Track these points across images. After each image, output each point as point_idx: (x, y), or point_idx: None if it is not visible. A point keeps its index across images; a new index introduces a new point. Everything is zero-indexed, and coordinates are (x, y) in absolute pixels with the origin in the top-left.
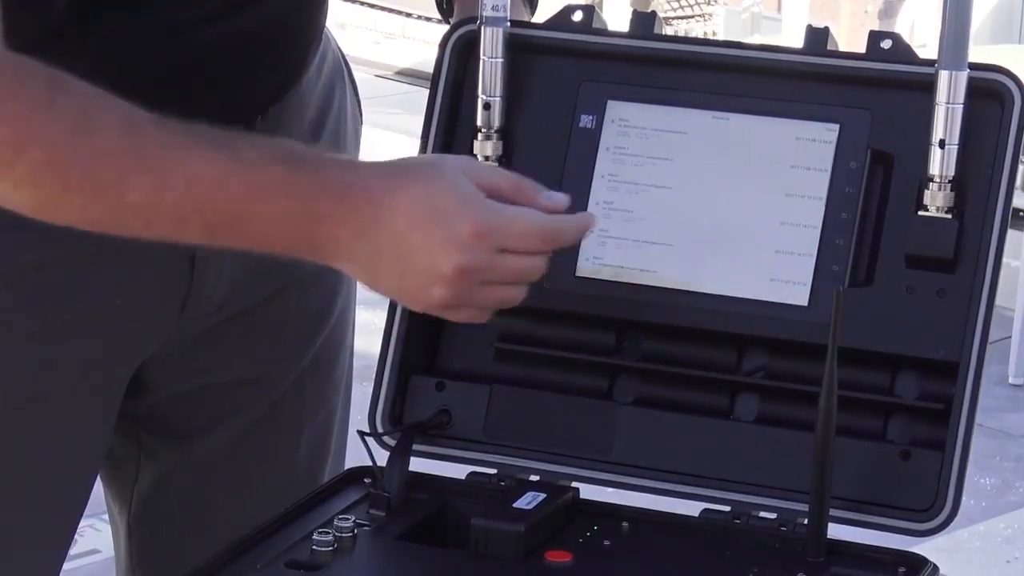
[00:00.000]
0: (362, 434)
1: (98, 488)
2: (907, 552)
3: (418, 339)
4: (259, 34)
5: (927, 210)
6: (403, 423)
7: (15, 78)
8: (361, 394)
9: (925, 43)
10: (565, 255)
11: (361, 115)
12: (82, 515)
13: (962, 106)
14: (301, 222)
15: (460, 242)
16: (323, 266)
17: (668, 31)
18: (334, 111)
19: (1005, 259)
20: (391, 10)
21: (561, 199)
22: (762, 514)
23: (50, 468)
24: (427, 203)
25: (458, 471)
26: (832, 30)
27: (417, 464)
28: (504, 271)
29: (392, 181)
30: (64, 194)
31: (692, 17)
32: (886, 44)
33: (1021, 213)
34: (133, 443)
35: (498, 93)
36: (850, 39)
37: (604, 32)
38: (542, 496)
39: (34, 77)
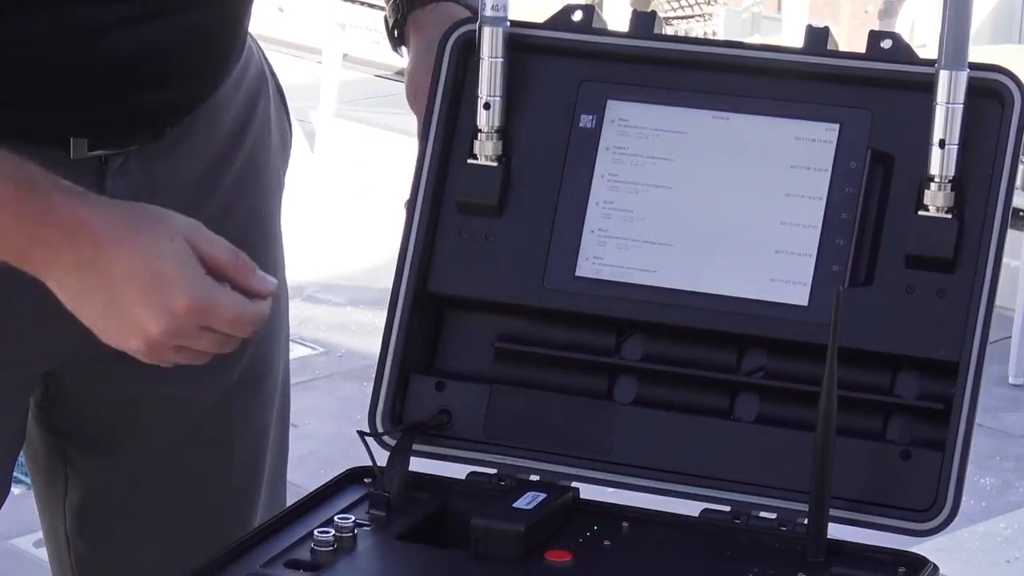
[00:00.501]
0: (362, 434)
1: None
2: (907, 552)
3: (418, 339)
4: (176, 43)
5: (927, 210)
6: (403, 423)
7: None
8: (361, 394)
9: (925, 43)
10: (565, 255)
11: (290, 127)
12: None
13: (962, 106)
14: (22, 242)
15: (171, 312)
16: None
17: (668, 31)
18: (256, 123)
19: (1005, 259)
20: None
21: (272, 283)
22: (762, 514)
23: None
24: (149, 264)
25: (458, 471)
26: (832, 30)
27: (417, 464)
28: (200, 344)
29: (119, 231)
30: None
31: (692, 17)
32: (886, 44)
33: (1021, 213)
34: (59, 456)
35: (498, 93)
36: (850, 39)
37: (604, 32)
38: (542, 496)
39: None
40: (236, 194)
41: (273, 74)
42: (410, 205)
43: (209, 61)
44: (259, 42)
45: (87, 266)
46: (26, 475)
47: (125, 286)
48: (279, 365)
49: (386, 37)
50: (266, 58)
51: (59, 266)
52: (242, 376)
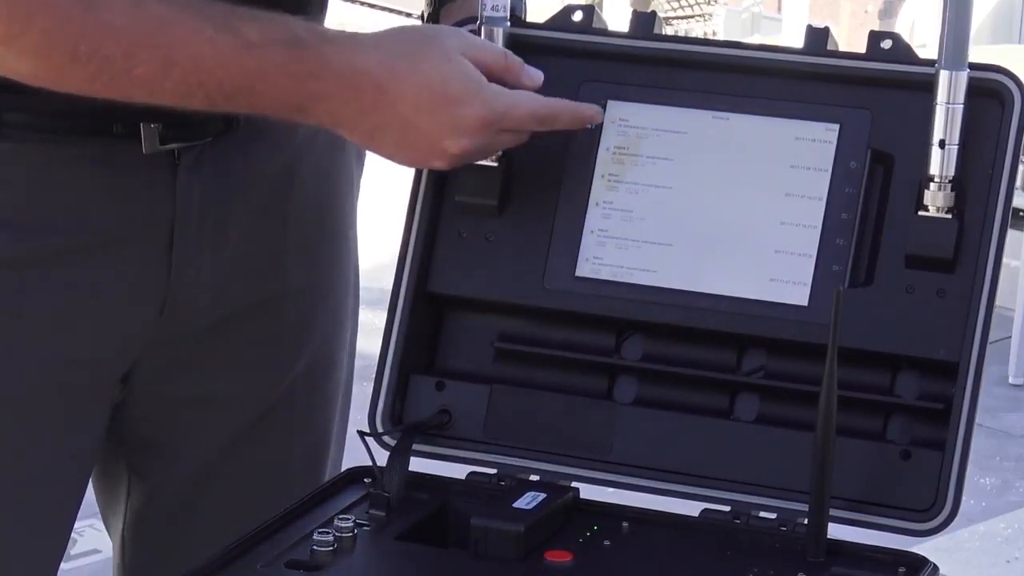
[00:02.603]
0: (362, 434)
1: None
2: (907, 552)
3: (418, 339)
4: None
5: (927, 210)
6: (403, 423)
7: None
8: (361, 394)
9: (925, 43)
10: (565, 255)
11: None
12: (74, 519)
13: (962, 106)
14: (302, 100)
15: (467, 127)
16: (320, 275)
17: (668, 31)
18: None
19: (1005, 259)
20: (391, 10)
21: (538, 75)
22: (762, 514)
23: (35, 471)
24: (434, 91)
25: (458, 471)
26: (832, 30)
27: (417, 464)
28: (498, 146)
29: (397, 68)
30: (71, 66)
31: (692, 17)
32: (886, 44)
33: (1021, 213)
34: (121, 463)
35: None
36: (850, 39)
37: (604, 32)
38: (542, 496)
39: None
40: (313, 194)
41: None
42: (410, 205)
43: None
44: None
45: (374, 109)
46: None
47: (416, 117)
48: (342, 365)
49: None
50: None
51: (345, 115)
52: (305, 373)
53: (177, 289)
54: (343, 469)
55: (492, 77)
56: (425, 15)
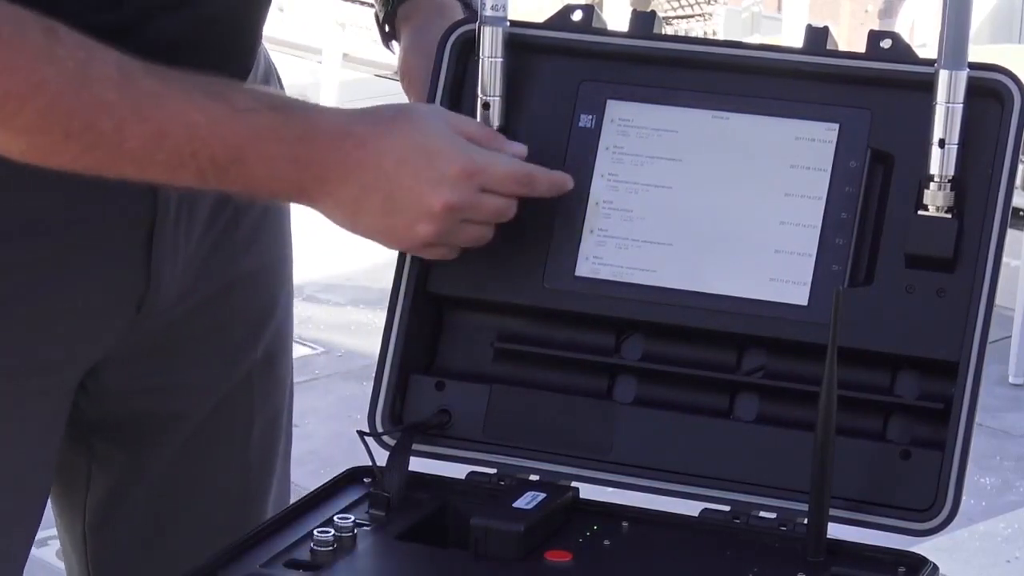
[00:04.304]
0: (362, 434)
1: None
2: (907, 552)
3: (418, 339)
4: (207, 31)
5: (927, 210)
6: (403, 423)
7: (15, 28)
8: (361, 394)
9: (925, 43)
10: (565, 255)
11: None
12: (39, 523)
13: (962, 106)
14: (290, 167)
15: (449, 180)
16: (267, 261)
17: (668, 31)
18: None
19: (1005, 259)
20: None
21: (521, 149)
22: (762, 514)
23: (2, 474)
24: (416, 144)
25: (458, 471)
26: (832, 30)
27: (417, 464)
28: (484, 210)
29: (380, 126)
30: (64, 142)
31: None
32: (886, 44)
33: (1021, 213)
34: (83, 452)
35: (497, 93)
36: (850, 39)
37: (604, 32)
38: (542, 496)
39: (31, 26)
40: None
41: (277, 74)
42: None
43: (235, 52)
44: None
45: (357, 169)
46: None
47: (399, 172)
48: (290, 347)
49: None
50: (269, 57)
51: (332, 182)
52: (264, 353)
53: (155, 287)
54: (344, 469)
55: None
56: (380, 18)
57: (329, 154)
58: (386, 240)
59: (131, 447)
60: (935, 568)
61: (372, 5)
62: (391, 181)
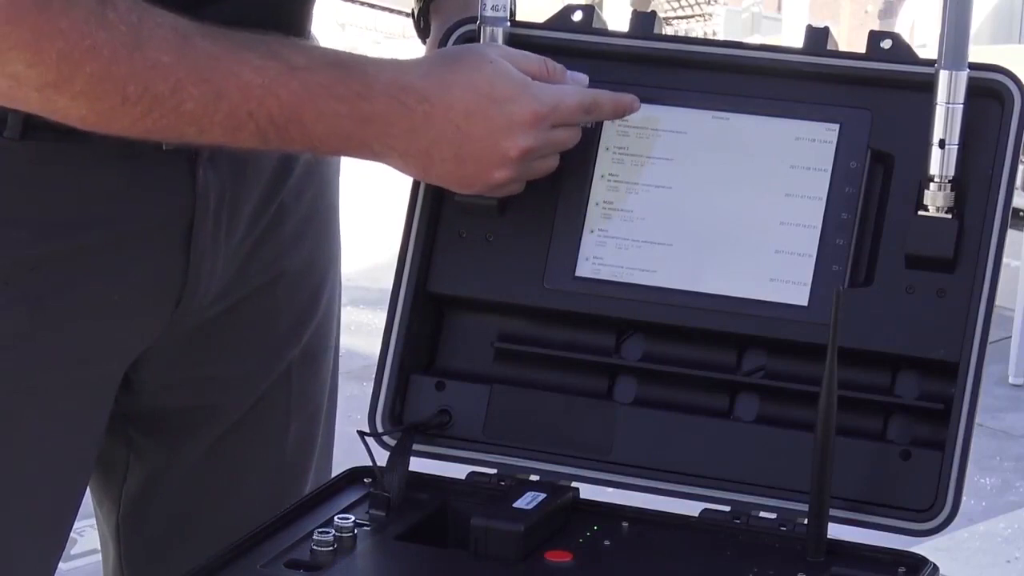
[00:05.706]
0: (362, 434)
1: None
2: (907, 552)
3: (418, 339)
4: (258, 18)
5: (927, 210)
6: (403, 423)
7: None
8: (361, 394)
9: (925, 43)
10: (565, 255)
11: None
12: (76, 516)
13: (962, 106)
14: (351, 124)
15: (521, 126)
16: (313, 259)
17: (668, 31)
18: None
19: (1005, 259)
20: (391, 10)
21: (583, 77)
22: (762, 514)
23: (44, 466)
24: (482, 93)
25: (458, 471)
26: (832, 30)
27: (417, 464)
28: (554, 145)
29: (441, 77)
30: (121, 106)
31: (692, 17)
32: (886, 44)
33: (1021, 213)
34: (123, 442)
35: None
36: (850, 39)
37: (604, 32)
38: (542, 496)
39: None
40: (305, 180)
41: None
42: (410, 205)
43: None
44: None
45: (425, 123)
46: None
47: (469, 123)
48: (333, 345)
49: (386, 36)
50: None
51: (397, 136)
52: (303, 353)
53: (194, 282)
54: (344, 469)
55: (538, 80)
56: (415, 11)
57: (391, 109)
58: (459, 187)
59: (168, 440)
60: (935, 568)
61: (373, 5)
62: (462, 133)
